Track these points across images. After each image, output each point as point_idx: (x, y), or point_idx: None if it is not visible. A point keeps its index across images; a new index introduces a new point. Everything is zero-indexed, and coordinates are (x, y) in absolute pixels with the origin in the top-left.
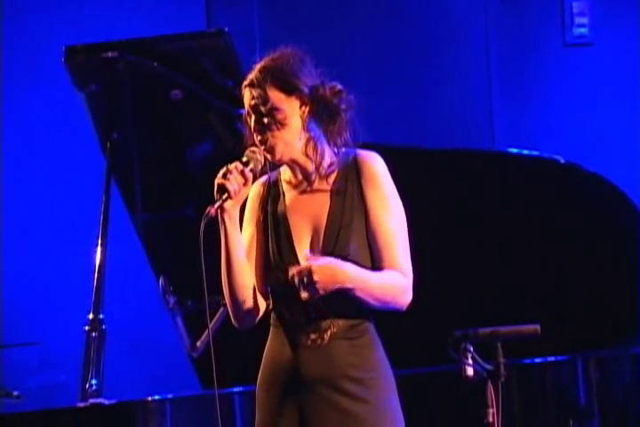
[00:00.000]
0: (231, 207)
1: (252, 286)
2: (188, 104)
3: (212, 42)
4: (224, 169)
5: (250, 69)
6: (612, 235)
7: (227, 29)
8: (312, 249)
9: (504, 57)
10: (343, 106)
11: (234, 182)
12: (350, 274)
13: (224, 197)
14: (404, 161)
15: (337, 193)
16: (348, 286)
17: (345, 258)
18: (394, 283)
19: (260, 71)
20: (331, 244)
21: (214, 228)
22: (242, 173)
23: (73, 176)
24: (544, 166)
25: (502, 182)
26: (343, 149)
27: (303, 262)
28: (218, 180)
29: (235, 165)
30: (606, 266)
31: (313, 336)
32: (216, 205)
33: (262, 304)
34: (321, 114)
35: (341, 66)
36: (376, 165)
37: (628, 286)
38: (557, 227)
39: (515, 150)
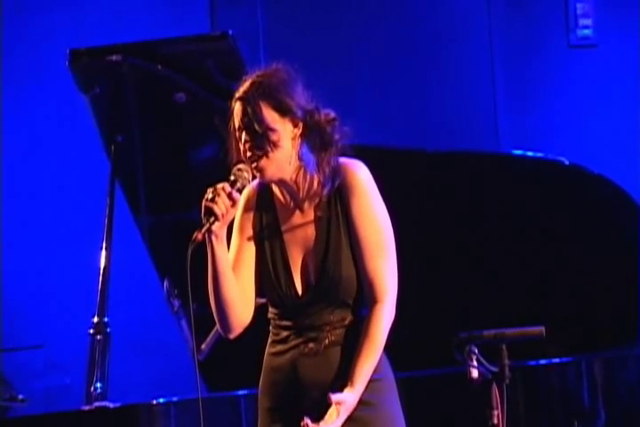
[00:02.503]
0: (218, 229)
1: (238, 301)
2: (192, 107)
3: (216, 45)
4: (211, 190)
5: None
6: (616, 236)
7: (231, 32)
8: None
9: (508, 58)
10: (337, 136)
11: (221, 205)
12: (360, 393)
13: (211, 220)
14: (406, 163)
15: (322, 218)
16: None
17: (338, 283)
18: (383, 335)
19: (254, 86)
20: (321, 272)
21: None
22: (229, 195)
23: (77, 179)
24: (548, 168)
25: (506, 184)
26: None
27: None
28: (205, 202)
29: (222, 187)
30: (610, 267)
31: (311, 345)
32: (203, 229)
33: (249, 314)
34: (313, 140)
35: (345, 68)
36: (358, 174)
37: (632, 286)
38: (561, 228)
39: (519, 152)
